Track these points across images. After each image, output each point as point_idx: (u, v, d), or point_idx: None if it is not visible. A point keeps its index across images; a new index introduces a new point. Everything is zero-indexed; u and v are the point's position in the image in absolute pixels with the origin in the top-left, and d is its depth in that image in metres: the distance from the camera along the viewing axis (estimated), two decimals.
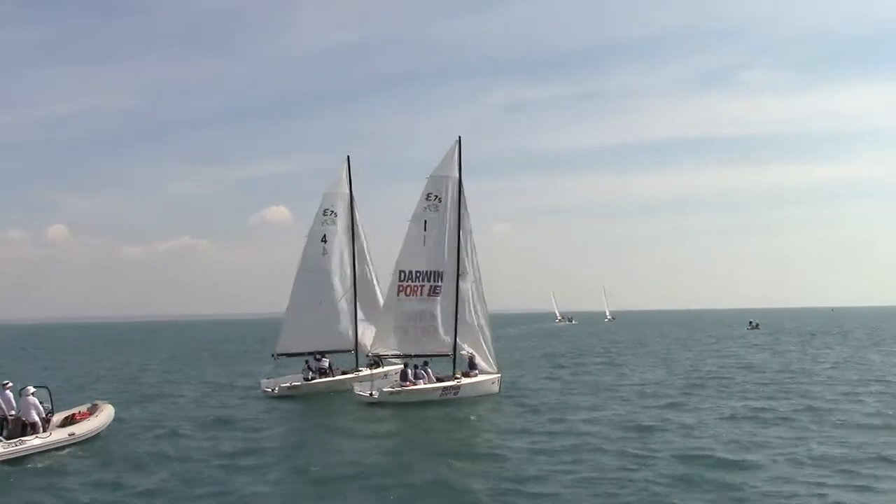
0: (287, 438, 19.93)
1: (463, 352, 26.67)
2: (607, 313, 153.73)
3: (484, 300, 27.37)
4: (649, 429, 19.34)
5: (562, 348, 58.80)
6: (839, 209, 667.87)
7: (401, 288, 26.17)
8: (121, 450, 18.34)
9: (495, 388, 27.15)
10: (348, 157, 31.25)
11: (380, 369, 28.41)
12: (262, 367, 37.96)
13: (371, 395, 24.38)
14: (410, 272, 26.18)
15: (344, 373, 29.98)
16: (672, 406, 23.47)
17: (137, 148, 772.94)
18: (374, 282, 31.14)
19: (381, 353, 26.88)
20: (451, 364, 26.75)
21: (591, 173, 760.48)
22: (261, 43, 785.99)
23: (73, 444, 18.34)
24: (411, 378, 25.33)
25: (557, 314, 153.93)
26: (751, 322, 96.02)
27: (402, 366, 28.60)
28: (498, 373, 27.71)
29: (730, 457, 15.73)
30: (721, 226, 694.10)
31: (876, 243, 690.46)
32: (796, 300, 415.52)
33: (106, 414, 20.33)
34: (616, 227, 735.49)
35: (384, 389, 24.60)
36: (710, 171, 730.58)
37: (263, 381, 29.07)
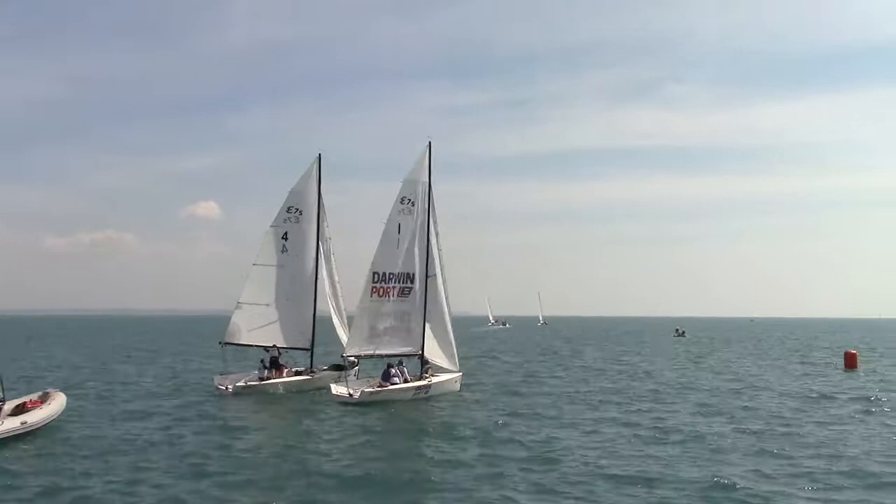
0: (260, 438, 19.33)
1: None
2: (540, 318, 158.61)
3: (448, 301, 28.02)
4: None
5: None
6: (760, 222, 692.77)
7: (374, 290, 26.30)
8: (72, 439, 17.86)
9: (457, 386, 28.15)
10: (319, 155, 30.54)
11: (354, 369, 27.97)
12: (207, 364, 36.94)
13: (350, 395, 24.33)
14: (384, 274, 26.42)
15: (298, 372, 29.38)
16: None
17: (63, 138, 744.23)
18: (337, 283, 30.67)
19: (355, 355, 26.55)
20: (420, 364, 27.19)
21: (524, 179, 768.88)
22: (193, 36, 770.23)
23: (25, 432, 17.72)
24: (393, 378, 25.62)
25: (491, 318, 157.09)
26: (677, 329, 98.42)
27: (355, 368, 28.49)
28: (460, 371, 28.48)
29: None
30: (651, 236, 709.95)
31: (797, 256, 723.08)
32: (721, 310, 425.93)
33: (58, 402, 19.84)
34: (549, 233, 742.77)
35: (365, 389, 24.67)
36: (638, 181, 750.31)
37: (217, 378, 28.11)
